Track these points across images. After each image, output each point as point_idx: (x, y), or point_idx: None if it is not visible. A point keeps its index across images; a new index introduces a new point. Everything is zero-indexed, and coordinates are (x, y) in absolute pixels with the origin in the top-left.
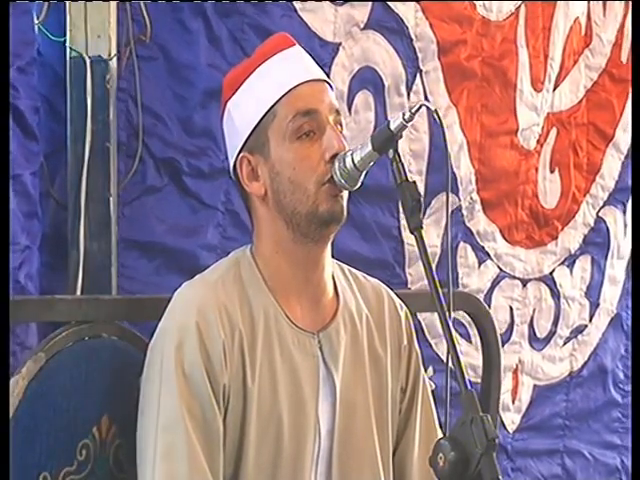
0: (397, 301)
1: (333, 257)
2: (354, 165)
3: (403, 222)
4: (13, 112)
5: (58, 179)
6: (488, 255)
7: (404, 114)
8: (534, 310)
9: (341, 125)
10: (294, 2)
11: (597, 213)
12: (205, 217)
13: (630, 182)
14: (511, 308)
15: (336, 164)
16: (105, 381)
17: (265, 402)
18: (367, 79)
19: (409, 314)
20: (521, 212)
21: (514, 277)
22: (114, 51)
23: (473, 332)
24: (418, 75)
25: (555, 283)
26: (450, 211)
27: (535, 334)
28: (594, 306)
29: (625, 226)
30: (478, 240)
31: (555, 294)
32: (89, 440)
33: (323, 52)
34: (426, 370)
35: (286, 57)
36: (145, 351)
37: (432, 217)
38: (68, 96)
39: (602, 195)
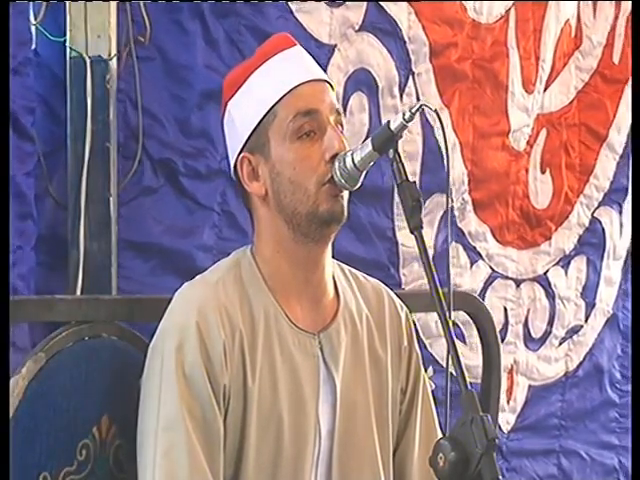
0: (397, 301)
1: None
2: (354, 165)
3: (397, 223)
4: None
5: (57, 179)
6: (480, 255)
7: (404, 114)
8: (528, 310)
9: (342, 125)
10: (290, 4)
11: (592, 213)
12: (201, 218)
13: (626, 182)
14: (505, 308)
15: (336, 164)
16: (105, 381)
17: (265, 402)
18: (362, 81)
19: (409, 314)
20: (512, 212)
21: (507, 277)
22: (114, 51)
23: (468, 333)
24: (410, 77)
25: (550, 283)
26: (444, 211)
27: (530, 334)
28: (590, 306)
29: (621, 226)
30: (469, 240)
31: (550, 294)
32: (89, 440)
33: (319, 53)
34: (426, 370)
35: (287, 57)
36: (145, 351)
37: (426, 218)
38: (68, 96)
39: (597, 195)
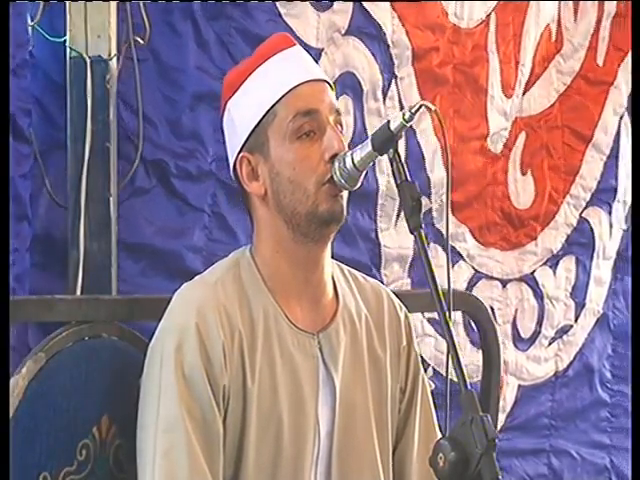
0: (397, 302)
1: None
2: (354, 165)
3: (380, 225)
4: None
5: (54, 180)
6: (460, 256)
7: (404, 114)
8: (516, 310)
9: (341, 125)
10: (279, 7)
11: (580, 214)
12: (192, 219)
13: (614, 182)
14: (492, 308)
15: (336, 164)
16: (105, 381)
17: (265, 403)
18: (347, 84)
19: (408, 315)
20: (492, 213)
21: (492, 278)
22: (114, 51)
23: (455, 332)
24: (393, 81)
25: (537, 283)
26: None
27: (519, 334)
28: (580, 306)
29: (610, 227)
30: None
31: (538, 294)
32: (89, 440)
33: None
34: (425, 371)
35: (286, 57)
36: (145, 351)
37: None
38: (68, 96)
39: (584, 196)
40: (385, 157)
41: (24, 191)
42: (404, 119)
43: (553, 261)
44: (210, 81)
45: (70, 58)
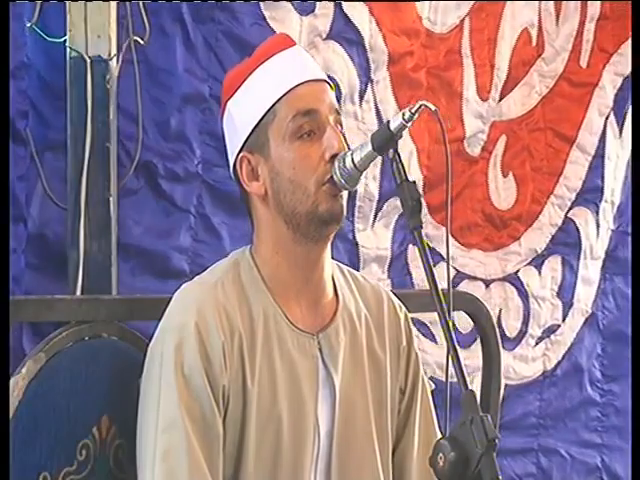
0: (396, 302)
1: None
2: (354, 165)
3: (357, 225)
4: None
5: (51, 180)
6: (441, 256)
7: (404, 114)
8: (500, 310)
9: (341, 125)
10: (264, 11)
11: (566, 214)
12: (178, 220)
13: (600, 182)
14: None
15: (336, 164)
16: (105, 381)
17: (265, 403)
18: None
19: (408, 315)
20: (473, 215)
21: (475, 278)
22: (114, 51)
23: (437, 332)
24: (369, 84)
25: (522, 283)
26: (399, 215)
27: (505, 334)
28: (567, 306)
29: (598, 226)
30: (428, 242)
31: (522, 294)
32: (89, 440)
33: None
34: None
35: (286, 57)
36: (145, 351)
37: (382, 220)
38: (68, 96)
39: (569, 196)
40: None
41: (20, 193)
42: (404, 119)
43: (538, 261)
44: (197, 83)
45: (70, 58)
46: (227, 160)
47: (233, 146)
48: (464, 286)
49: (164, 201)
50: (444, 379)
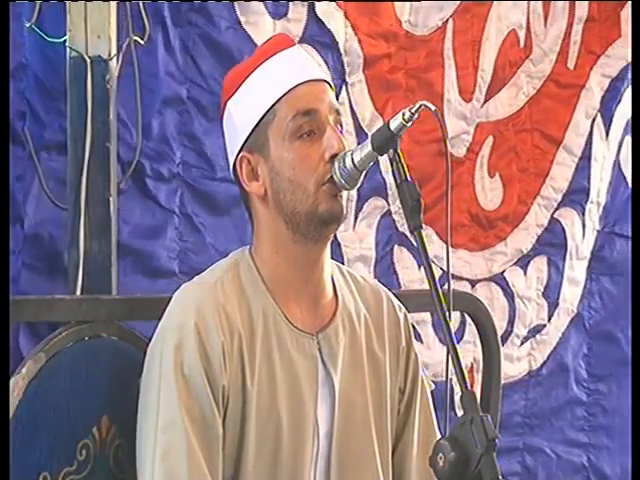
0: (396, 302)
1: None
2: (354, 165)
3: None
4: None
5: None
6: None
7: (404, 114)
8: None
9: (341, 125)
10: (239, 15)
11: (552, 214)
12: (164, 220)
13: (586, 184)
14: None
15: (336, 164)
16: (105, 381)
17: (264, 403)
18: None
19: (408, 315)
20: (459, 215)
21: (461, 278)
22: (114, 51)
23: (424, 332)
24: (344, 87)
25: (507, 283)
26: (381, 215)
27: None
28: (553, 306)
29: (584, 227)
30: (413, 242)
31: (508, 293)
32: (89, 440)
33: None
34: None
35: (286, 57)
36: (145, 351)
37: (364, 221)
38: (68, 96)
39: (555, 197)
40: None
41: (18, 193)
42: (404, 119)
43: (524, 261)
44: (175, 86)
45: (70, 58)
46: (205, 161)
47: (233, 146)
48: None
49: (150, 201)
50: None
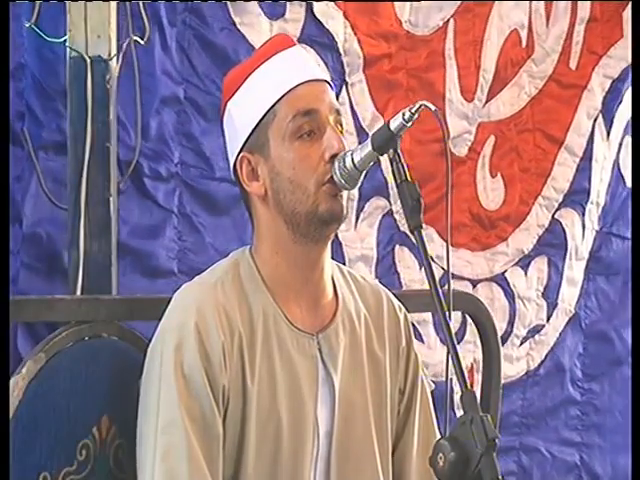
0: (396, 303)
1: None
2: (354, 165)
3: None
4: None
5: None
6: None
7: (404, 114)
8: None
9: (341, 125)
10: (233, 16)
11: (553, 215)
12: (163, 219)
13: (587, 184)
14: None
15: (336, 164)
16: (105, 381)
17: (264, 403)
18: None
19: (408, 316)
20: (460, 215)
21: (462, 278)
22: (114, 51)
23: (425, 332)
24: (344, 87)
25: (508, 283)
26: (382, 215)
27: None
28: (552, 306)
29: (583, 228)
30: (414, 242)
31: (509, 294)
32: (89, 440)
33: None
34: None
35: (286, 57)
36: (145, 351)
37: (366, 221)
38: (68, 96)
39: (556, 197)
40: None
41: (17, 194)
42: (404, 119)
43: (524, 261)
44: (173, 86)
45: (70, 58)
46: (203, 161)
47: (233, 146)
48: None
49: (148, 201)
50: (432, 378)
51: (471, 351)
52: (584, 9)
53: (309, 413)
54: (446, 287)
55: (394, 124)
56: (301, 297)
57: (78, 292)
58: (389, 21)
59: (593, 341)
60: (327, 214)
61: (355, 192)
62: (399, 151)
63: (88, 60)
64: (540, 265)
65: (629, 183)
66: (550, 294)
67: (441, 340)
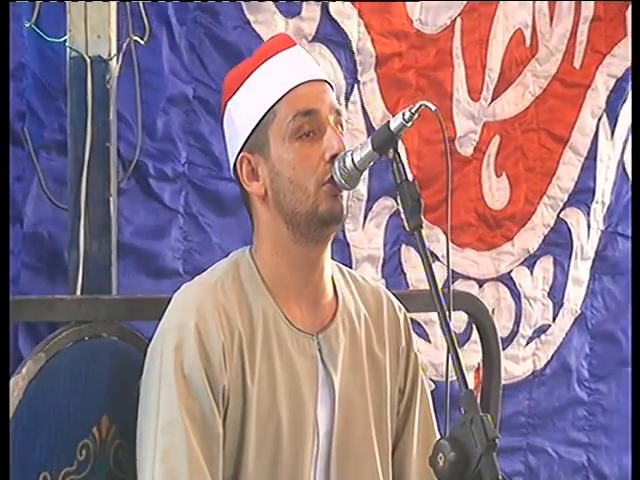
0: (396, 303)
1: None
2: (354, 165)
3: (347, 225)
4: None
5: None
6: (435, 256)
7: (404, 114)
8: (493, 310)
9: (342, 125)
10: (247, 15)
11: (558, 214)
12: (168, 219)
13: (592, 184)
14: None
15: (336, 164)
16: (105, 381)
17: (264, 403)
18: None
19: (408, 316)
20: (466, 215)
21: (468, 278)
22: (114, 51)
23: (431, 332)
24: (356, 86)
25: (514, 283)
26: (390, 215)
27: None
28: (558, 306)
29: (588, 227)
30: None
31: (515, 294)
32: (89, 440)
33: None
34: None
35: (287, 57)
36: (145, 351)
37: (374, 221)
38: (68, 96)
39: (561, 196)
40: None
41: (18, 194)
42: (404, 119)
43: (530, 261)
44: (181, 85)
45: (70, 58)
46: (212, 160)
47: (233, 146)
48: (457, 286)
49: (154, 201)
50: (438, 378)
51: (478, 352)
52: (588, 8)
53: (309, 413)
54: (454, 284)
55: (394, 124)
56: (301, 297)
57: (78, 292)
58: (401, 20)
59: (600, 341)
60: (327, 214)
61: (364, 192)
62: (399, 151)
63: (88, 60)
64: (546, 265)
65: None
66: (556, 294)
67: None
